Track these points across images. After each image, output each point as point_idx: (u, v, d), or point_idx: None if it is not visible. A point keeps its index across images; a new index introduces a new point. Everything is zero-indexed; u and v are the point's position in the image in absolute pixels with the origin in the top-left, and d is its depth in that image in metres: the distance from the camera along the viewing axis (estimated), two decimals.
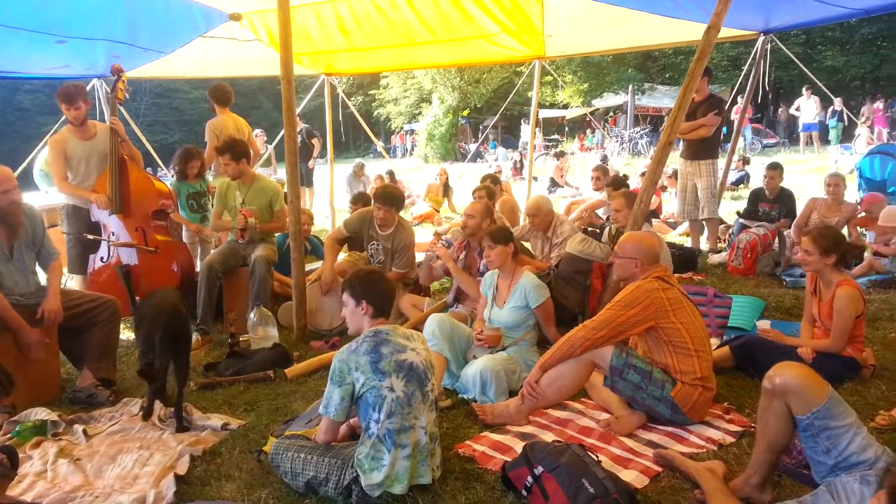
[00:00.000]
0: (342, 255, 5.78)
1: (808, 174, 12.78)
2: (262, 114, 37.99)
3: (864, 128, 17.57)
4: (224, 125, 6.59)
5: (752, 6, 6.57)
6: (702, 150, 6.98)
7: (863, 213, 6.47)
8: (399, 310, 4.99)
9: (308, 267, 5.59)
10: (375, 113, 40.45)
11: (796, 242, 6.20)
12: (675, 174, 8.99)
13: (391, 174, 11.82)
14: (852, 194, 8.07)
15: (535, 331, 4.05)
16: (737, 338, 4.01)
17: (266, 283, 4.98)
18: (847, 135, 19.32)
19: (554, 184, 13.39)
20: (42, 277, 4.15)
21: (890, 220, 5.80)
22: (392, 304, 2.76)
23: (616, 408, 3.35)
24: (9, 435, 3.37)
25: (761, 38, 7.85)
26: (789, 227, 6.62)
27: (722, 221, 7.44)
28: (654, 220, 8.21)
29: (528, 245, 6.18)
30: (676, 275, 5.71)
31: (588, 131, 30.17)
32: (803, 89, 19.11)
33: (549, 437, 3.11)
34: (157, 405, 3.60)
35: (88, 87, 7.38)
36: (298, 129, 11.64)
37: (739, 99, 11.59)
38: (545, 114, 30.68)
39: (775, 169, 7.11)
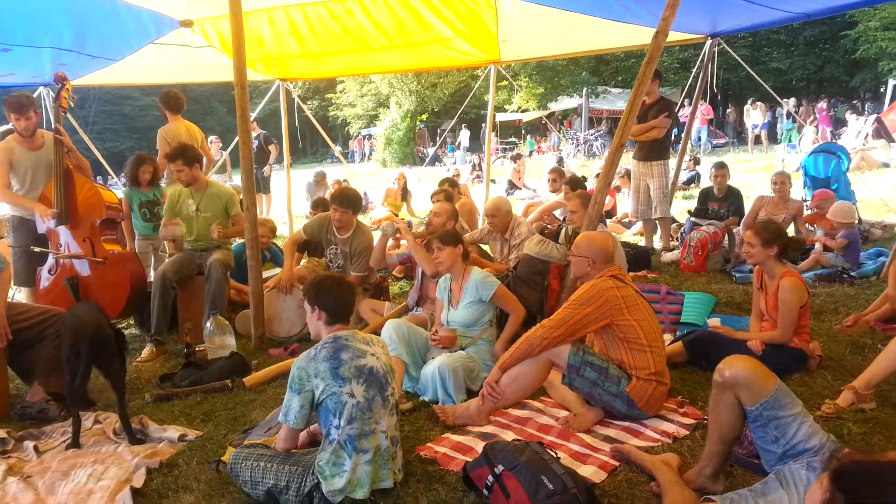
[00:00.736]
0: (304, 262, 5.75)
1: (756, 173, 13.18)
2: (216, 119, 37.45)
3: (811, 127, 18.19)
4: (176, 132, 6.48)
5: (699, 11, 6.77)
6: (654, 151, 7.15)
7: (814, 210, 6.69)
8: (358, 314, 4.98)
9: (265, 274, 5.54)
10: (332, 115, 40.22)
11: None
12: (627, 174, 9.18)
13: (346, 182, 11.71)
14: (798, 192, 8.34)
15: (492, 328, 4.09)
16: (689, 333, 4.12)
17: (222, 288, 4.92)
18: (793, 134, 19.98)
19: (512, 186, 13.53)
20: None
21: (838, 215, 6.01)
22: (350, 310, 2.75)
23: (574, 405, 3.40)
24: None
25: (709, 42, 8.08)
26: (738, 225, 6.82)
27: (674, 220, 7.62)
28: (608, 220, 8.36)
29: (487, 248, 6.24)
30: (631, 273, 5.85)
31: (544, 134, 30.51)
32: (748, 102, 19.78)
33: (509, 436, 3.15)
34: (112, 418, 3.53)
35: (35, 95, 7.18)
36: (255, 135, 11.60)
37: (687, 102, 11.86)
38: (502, 117, 30.93)
39: (722, 168, 7.32)
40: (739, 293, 5.35)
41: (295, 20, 6.91)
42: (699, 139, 22.07)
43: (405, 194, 11.83)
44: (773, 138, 21.79)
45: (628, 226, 8.77)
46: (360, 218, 5.59)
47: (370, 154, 36.21)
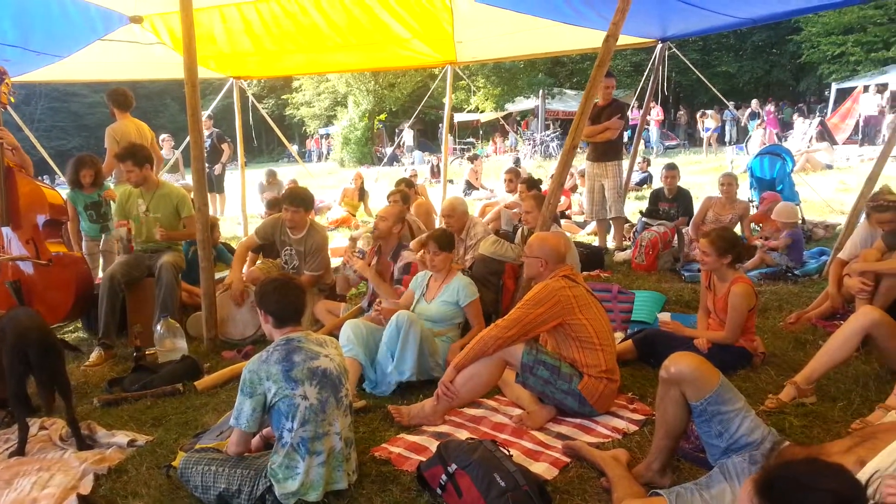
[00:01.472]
0: (259, 263, 5.68)
1: (706, 174, 13.52)
2: (168, 117, 36.64)
3: (759, 129, 18.75)
4: (125, 130, 6.32)
5: (649, 16, 6.92)
6: (608, 152, 7.28)
7: (760, 211, 6.89)
8: (314, 316, 4.95)
9: (218, 275, 5.46)
10: (289, 114, 39.74)
11: (693, 239, 6.56)
12: (583, 174, 9.32)
13: (295, 182, 11.55)
14: (745, 193, 8.58)
15: (457, 330, 4.12)
16: (639, 331, 4.22)
17: (173, 290, 4.83)
18: (742, 136, 20.57)
19: (469, 186, 13.59)
20: None
21: (782, 215, 6.21)
22: (299, 312, 2.72)
23: (528, 403, 3.45)
24: None
25: (659, 46, 8.27)
26: (687, 225, 7.00)
27: (626, 220, 7.77)
28: (562, 220, 8.47)
29: None
30: (585, 272, 5.95)
31: (503, 134, 30.73)
32: (698, 115, 20.32)
33: (463, 435, 3.18)
34: (59, 424, 3.44)
35: None
36: (208, 133, 11.41)
37: (638, 104, 12.11)
38: (460, 118, 31.05)
39: (672, 169, 7.49)
40: (688, 291, 5.49)
41: (248, 18, 6.82)
42: (651, 141, 22.56)
43: (362, 194, 11.79)
44: (723, 141, 22.39)
45: (583, 226, 8.90)
46: (318, 219, 5.55)
47: (328, 154, 35.91)
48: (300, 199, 5.04)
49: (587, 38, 7.25)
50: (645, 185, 12.59)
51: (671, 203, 7.33)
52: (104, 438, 3.36)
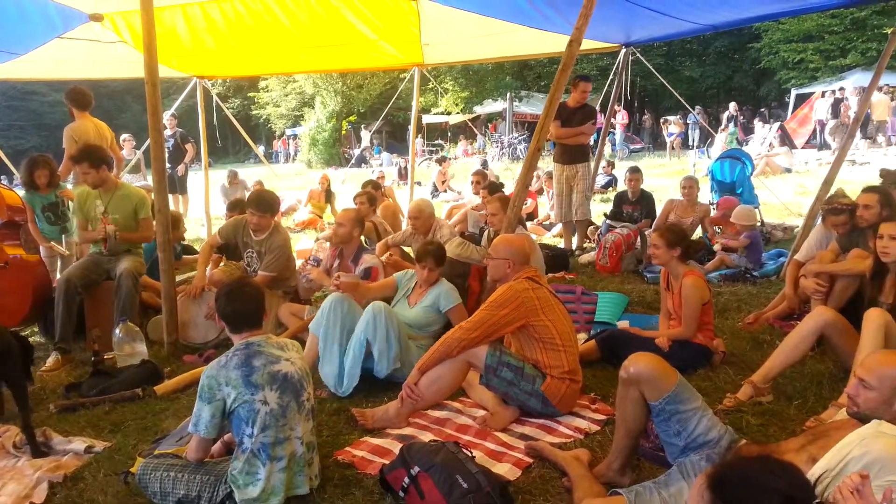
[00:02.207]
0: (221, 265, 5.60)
1: (669, 177, 13.73)
2: (130, 117, 35.84)
3: (722, 134, 19.12)
4: (84, 130, 6.19)
5: (613, 21, 7.02)
6: (578, 154, 7.36)
7: (718, 214, 7.03)
8: (278, 319, 4.91)
9: (180, 277, 5.38)
10: (255, 114, 39.28)
11: None
12: (550, 176, 9.40)
13: (260, 184, 11.41)
14: (706, 196, 8.75)
15: (433, 339, 4.11)
16: (602, 332, 4.27)
17: (133, 298, 4.73)
18: (704, 140, 20.96)
19: (437, 188, 13.62)
20: None
21: (741, 218, 6.35)
22: (256, 316, 2.67)
23: (492, 404, 3.47)
24: None
25: (623, 51, 8.38)
26: (650, 227, 7.10)
27: (591, 223, 7.85)
28: (529, 222, 8.53)
29: (409, 250, 6.27)
30: (550, 274, 6.00)
31: (472, 137, 30.84)
32: (661, 121, 20.66)
33: (427, 437, 3.17)
34: (13, 431, 3.35)
35: None
36: (171, 134, 11.21)
37: (600, 108, 12.27)
38: (428, 119, 31.07)
39: (636, 173, 7.60)
40: (650, 293, 5.57)
41: (212, 16, 6.73)
42: (616, 144, 22.86)
43: (329, 196, 11.71)
44: (686, 144, 22.79)
45: (549, 227, 8.98)
46: (284, 220, 5.49)
47: (295, 155, 35.58)
48: (265, 205, 4.97)
49: (553, 42, 7.31)
50: (610, 188, 12.75)
51: (635, 206, 7.43)
52: (60, 445, 3.28)
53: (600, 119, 9.77)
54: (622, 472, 2.73)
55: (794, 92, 25.19)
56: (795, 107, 23.47)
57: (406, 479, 2.54)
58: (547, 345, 3.36)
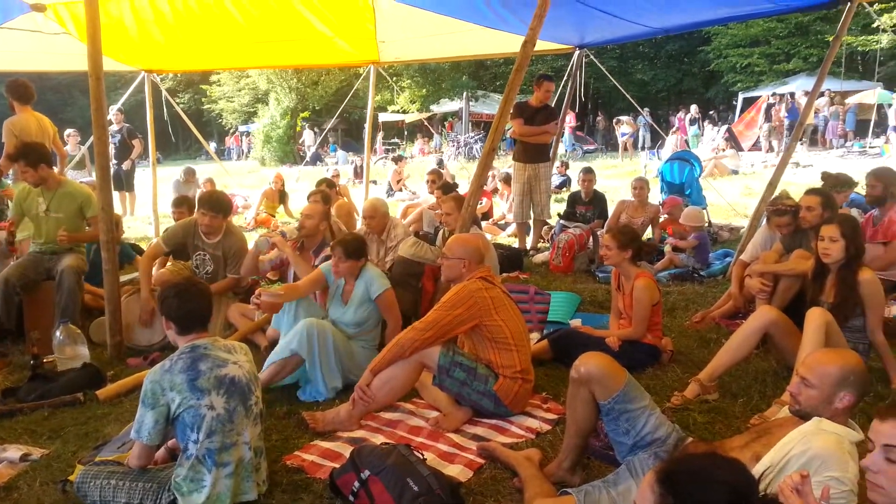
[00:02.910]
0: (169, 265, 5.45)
1: (621, 178, 13.96)
2: (76, 111, 34.64)
3: (673, 136, 19.55)
4: (25, 125, 5.95)
5: (567, 23, 7.10)
6: (540, 153, 7.39)
7: (665, 216, 7.17)
8: (227, 320, 4.80)
9: (124, 278, 5.22)
10: (207, 108, 38.45)
11: None
12: (506, 179, 9.46)
13: (211, 182, 11.12)
14: (656, 196, 8.92)
15: (376, 330, 4.08)
16: (555, 331, 4.31)
17: (75, 296, 4.57)
18: (655, 142, 21.42)
19: (392, 187, 13.55)
20: None
21: (689, 219, 6.48)
22: (205, 317, 2.61)
23: (445, 405, 3.46)
24: None
25: (577, 53, 8.49)
26: (603, 227, 7.20)
27: (545, 223, 7.92)
28: (483, 222, 8.56)
29: None
30: (504, 274, 6.03)
31: (429, 136, 30.84)
32: (614, 122, 21.07)
33: (379, 439, 3.14)
34: None
35: None
36: (118, 129, 10.89)
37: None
38: (385, 118, 30.94)
39: (589, 173, 7.69)
40: (602, 292, 5.64)
41: (160, 9, 6.55)
42: (572, 145, 23.17)
43: (282, 196, 11.53)
44: (637, 146, 23.24)
45: (504, 227, 9.02)
46: (235, 219, 5.36)
47: (248, 152, 34.94)
48: (218, 205, 4.79)
49: (508, 43, 7.35)
50: (564, 188, 12.89)
51: (588, 206, 7.52)
52: None
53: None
54: (572, 471, 2.75)
55: (741, 95, 25.96)
56: (742, 110, 24.18)
57: (356, 484, 2.51)
58: (500, 345, 3.36)
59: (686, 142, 20.09)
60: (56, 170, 5.13)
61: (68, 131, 10.93)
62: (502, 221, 9.33)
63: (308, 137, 30.14)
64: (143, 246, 7.10)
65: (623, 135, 22.13)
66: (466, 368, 3.30)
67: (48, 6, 6.11)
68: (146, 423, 2.43)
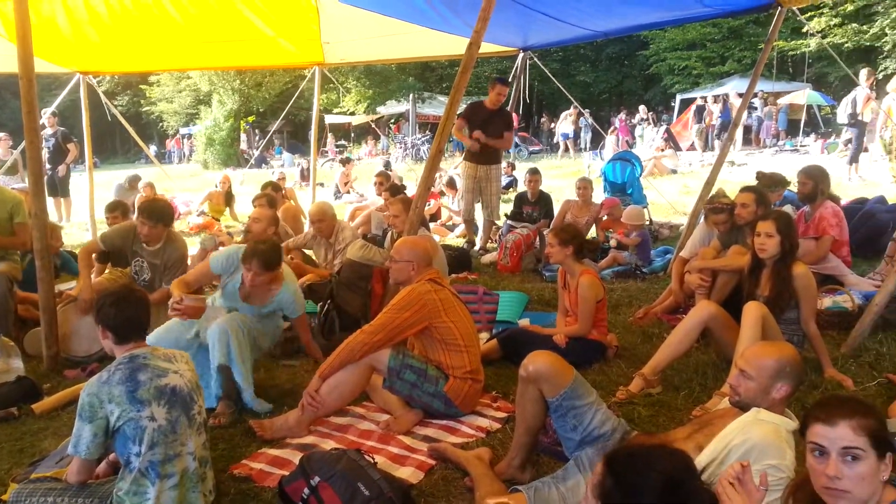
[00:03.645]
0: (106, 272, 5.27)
1: (566, 178, 14.19)
2: (8, 114, 33.14)
3: (613, 136, 19.99)
4: None
5: (511, 26, 7.17)
6: (492, 155, 7.39)
7: (604, 216, 7.30)
8: None
9: (61, 287, 5.03)
10: (146, 111, 37.35)
11: None
12: (450, 183, 9.50)
13: (151, 187, 10.77)
14: (600, 196, 9.09)
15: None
16: (503, 331, 4.35)
17: (7, 304, 4.38)
18: (596, 142, 21.87)
19: (340, 190, 13.44)
20: None
21: (631, 218, 6.63)
22: (143, 326, 2.53)
23: (395, 408, 3.45)
24: None
25: (521, 55, 8.58)
26: (549, 227, 7.30)
27: (494, 223, 7.98)
28: (431, 223, 8.58)
29: (310, 253, 6.15)
30: (453, 275, 6.05)
31: (377, 137, 30.73)
32: (553, 124, 21.46)
33: (329, 445, 3.12)
34: None
35: None
36: (52, 133, 10.48)
37: None
38: (331, 120, 30.66)
39: (535, 174, 7.80)
40: (549, 291, 5.72)
41: (96, 9, 6.33)
42: (518, 146, 23.41)
43: (229, 198, 11.30)
44: (578, 146, 23.69)
45: (452, 228, 9.05)
46: (177, 223, 5.19)
47: (190, 155, 34.07)
48: (157, 214, 4.59)
49: (453, 45, 7.38)
50: (511, 189, 13.02)
51: (534, 206, 7.61)
52: None
53: None
54: (522, 469, 2.79)
55: (679, 97, 26.72)
56: (680, 111, 24.89)
57: (306, 490, 2.48)
58: (449, 346, 3.38)
59: (627, 142, 20.57)
60: None
61: None
62: (450, 223, 9.36)
63: (244, 141, 29.63)
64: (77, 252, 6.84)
65: (564, 135, 22.52)
66: (416, 370, 3.30)
67: None
68: (84, 437, 2.34)
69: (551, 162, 20.13)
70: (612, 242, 6.62)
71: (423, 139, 26.10)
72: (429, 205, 8.94)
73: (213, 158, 29.61)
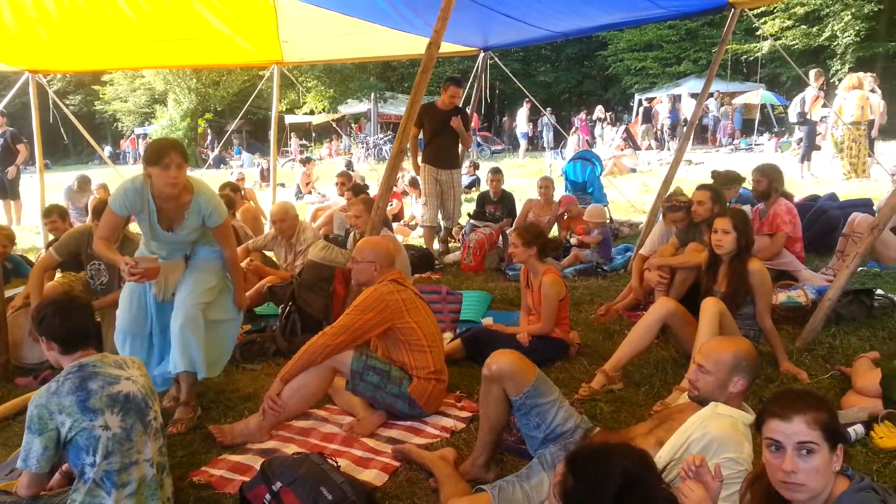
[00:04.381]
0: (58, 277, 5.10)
1: (528, 177, 14.29)
2: None
3: (574, 136, 20.22)
4: None
5: (471, 26, 7.19)
6: (452, 159, 7.20)
7: (563, 214, 7.36)
8: None
9: (12, 292, 4.86)
10: (99, 110, 36.38)
11: None
12: (413, 182, 9.46)
13: (105, 189, 10.48)
14: (561, 195, 9.17)
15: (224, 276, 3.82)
16: (467, 330, 4.36)
17: None
18: (558, 142, 22.07)
19: (301, 190, 13.31)
20: None
21: (592, 216, 6.70)
22: (90, 333, 2.45)
23: (359, 410, 3.43)
24: None
25: (482, 55, 8.61)
26: (512, 226, 7.34)
27: (456, 223, 7.97)
28: (394, 223, 8.54)
29: (271, 254, 6.07)
30: (416, 275, 6.04)
31: (339, 137, 30.48)
32: (513, 123, 21.65)
33: (291, 449, 3.07)
34: None
35: None
36: (1, 133, 10.13)
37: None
38: (291, 119, 30.32)
39: (497, 173, 7.81)
40: (512, 290, 5.75)
41: (45, 6, 6.12)
42: (480, 146, 23.52)
43: None
44: (539, 145, 23.93)
45: (414, 228, 9.03)
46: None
47: None
48: None
49: (414, 44, 7.35)
50: (473, 188, 13.06)
51: (496, 205, 7.63)
52: None
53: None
54: (486, 468, 2.79)
55: (637, 97, 27.17)
56: (638, 111, 25.31)
57: (267, 496, 2.44)
58: (413, 346, 3.36)
59: (588, 142, 20.83)
60: None
61: None
62: (413, 222, 9.34)
63: (209, 134, 29.15)
64: (31, 257, 6.62)
65: (524, 134, 22.70)
66: (380, 371, 3.28)
67: None
68: (34, 450, 2.25)
69: (513, 161, 20.25)
70: (574, 241, 6.67)
71: (384, 139, 26.00)
72: (391, 205, 8.90)
73: None
